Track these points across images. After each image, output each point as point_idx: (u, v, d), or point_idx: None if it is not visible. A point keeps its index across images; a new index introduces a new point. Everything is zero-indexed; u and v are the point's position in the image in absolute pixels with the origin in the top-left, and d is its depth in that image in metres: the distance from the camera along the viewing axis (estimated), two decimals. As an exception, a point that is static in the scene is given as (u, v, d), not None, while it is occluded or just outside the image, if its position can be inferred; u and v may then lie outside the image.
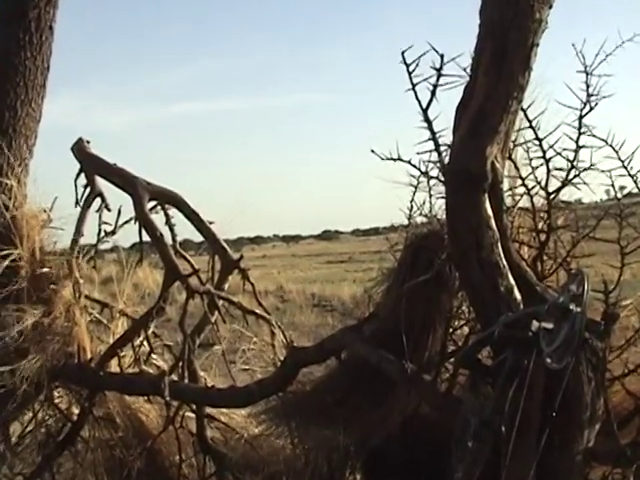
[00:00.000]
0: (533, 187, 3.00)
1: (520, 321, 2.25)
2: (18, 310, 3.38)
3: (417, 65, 2.74)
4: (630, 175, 2.82)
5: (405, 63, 2.75)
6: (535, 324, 2.17)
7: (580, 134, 2.87)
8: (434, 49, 2.68)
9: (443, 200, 2.73)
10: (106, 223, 4.21)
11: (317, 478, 3.27)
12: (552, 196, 2.97)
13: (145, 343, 3.78)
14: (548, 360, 2.16)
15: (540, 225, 3.01)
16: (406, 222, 3.18)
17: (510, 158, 2.91)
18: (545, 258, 2.99)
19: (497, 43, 2.46)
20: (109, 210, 4.18)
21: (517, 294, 2.50)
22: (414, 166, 3.03)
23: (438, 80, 2.73)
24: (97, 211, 4.16)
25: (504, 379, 2.19)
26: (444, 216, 2.74)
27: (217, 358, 4.03)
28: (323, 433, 3.13)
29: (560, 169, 2.95)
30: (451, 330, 3.04)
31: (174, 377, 3.59)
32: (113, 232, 4.21)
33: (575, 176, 2.92)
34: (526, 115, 2.90)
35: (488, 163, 2.50)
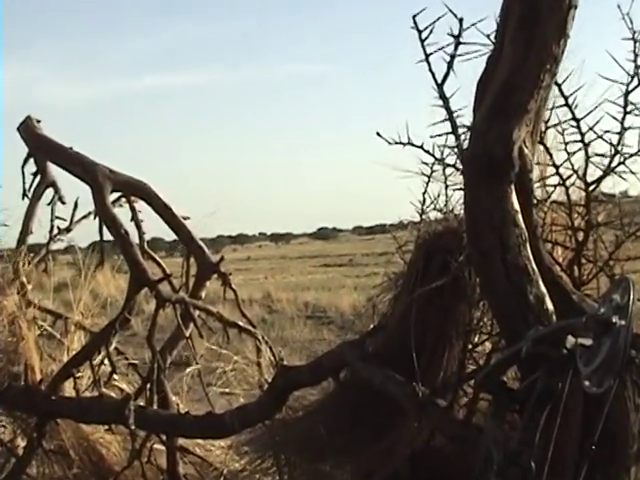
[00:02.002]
0: (569, 177, 3.00)
1: (553, 336, 2.24)
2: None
3: (431, 31, 2.74)
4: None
5: (417, 29, 2.75)
6: (571, 340, 2.16)
7: (626, 113, 2.87)
8: (452, 12, 2.68)
9: (461, 192, 2.73)
10: (60, 218, 4.22)
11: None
12: (592, 187, 2.97)
13: (106, 361, 3.77)
14: (586, 383, 2.15)
15: (577, 222, 3.00)
16: (417, 218, 3.18)
17: (541, 142, 2.91)
18: (583, 261, 2.99)
19: (527, 5, 2.45)
20: (63, 203, 4.18)
21: (549, 304, 2.50)
22: (427, 152, 3.03)
23: (456, 49, 2.73)
24: (49, 204, 4.16)
25: (534, 405, 2.18)
26: (462, 211, 2.74)
27: (192, 379, 4.03)
28: (317, 468, 3.12)
29: (602, 155, 2.95)
30: (470, 346, 3.04)
31: (141, 402, 3.58)
32: (68, 229, 4.21)
33: (620, 164, 2.92)
34: (561, 91, 2.90)
35: (515, 148, 2.49)
